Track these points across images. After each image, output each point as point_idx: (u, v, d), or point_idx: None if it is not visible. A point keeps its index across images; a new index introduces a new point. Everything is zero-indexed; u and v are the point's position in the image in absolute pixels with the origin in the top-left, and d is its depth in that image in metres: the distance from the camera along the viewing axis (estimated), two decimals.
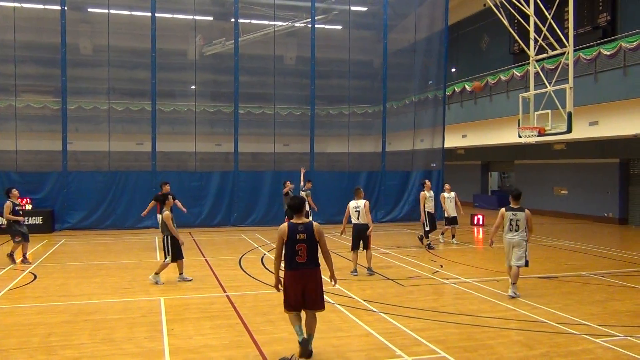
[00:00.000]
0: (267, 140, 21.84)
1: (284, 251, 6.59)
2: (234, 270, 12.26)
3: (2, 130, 19.56)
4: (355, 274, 11.48)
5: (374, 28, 23.47)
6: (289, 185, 17.35)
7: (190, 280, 10.89)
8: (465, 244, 16.38)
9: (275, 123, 21.88)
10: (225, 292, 10.00)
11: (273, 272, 6.93)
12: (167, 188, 14.05)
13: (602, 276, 11.49)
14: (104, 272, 12.13)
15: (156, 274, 10.75)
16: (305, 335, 6.60)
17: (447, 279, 11.22)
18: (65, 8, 19.64)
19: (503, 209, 9.92)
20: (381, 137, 22.62)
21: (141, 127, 20.74)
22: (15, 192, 12.70)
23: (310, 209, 17.15)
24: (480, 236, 18.87)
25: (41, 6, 20.65)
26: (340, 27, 23.68)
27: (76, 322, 8.08)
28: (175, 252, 10.79)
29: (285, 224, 6.63)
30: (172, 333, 7.54)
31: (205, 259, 13.62)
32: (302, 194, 17.12)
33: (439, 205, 16.88)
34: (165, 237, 10.80)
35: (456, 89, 26.13)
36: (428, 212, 15.24)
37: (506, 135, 22.28)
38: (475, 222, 21.23)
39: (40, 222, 18.53)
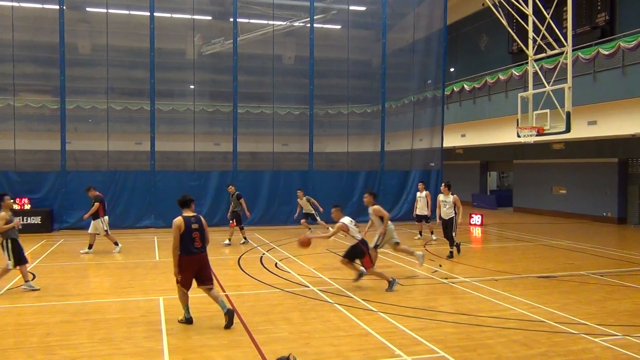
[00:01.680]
0: (266, 139, 21.84)
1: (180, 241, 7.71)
2: (233, 269, 12.26)
3: (0, 129, 19.53)
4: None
5: (373, 27, 23.48)
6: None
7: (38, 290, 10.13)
8: (464, 244, 16.40)
9: (274, 122, 21.88)
10: (224, 291, 9.99)
11: (174, 261, 7.84)
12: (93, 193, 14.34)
13: (601, 275, 11.51)
14: (103, 271, 12.13)
15: None
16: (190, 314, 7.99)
17: (446, 278, 11.22)
18: (64, 7, 19.62)
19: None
20: (380, 137, 22.63)
21: (140, 127, 20.73)
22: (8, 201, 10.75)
23: (315, 210, 17.69)
24: (479, 235, 18.89)
25: (40, 5, 20.64)
26: (339, 27, 23.68)
27: (75, 322, 8.08)
28: (18, 256, 10.07)
29: (181, 217, 7.81)
30: (171, 332, 7.54)
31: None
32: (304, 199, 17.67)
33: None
34: (4, 240, 10.01)
35: (455, 89, 26.15)
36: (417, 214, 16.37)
37: (505, 135, 22.30)
38: (474, 221, 21.26)
39: (39, 222, 18.51)
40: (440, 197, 14.15)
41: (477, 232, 19.78)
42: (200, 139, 21.33)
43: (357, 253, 10.16)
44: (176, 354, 6.72)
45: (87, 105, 20.96)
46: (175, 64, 22.06)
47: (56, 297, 9.72)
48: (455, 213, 13.77)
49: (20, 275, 10.30)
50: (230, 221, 16.07)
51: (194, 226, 7.80)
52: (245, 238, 16.24)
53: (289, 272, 11.79)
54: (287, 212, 21.01)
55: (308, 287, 10.36)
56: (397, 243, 11.62)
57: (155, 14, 20.39)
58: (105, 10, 20.56)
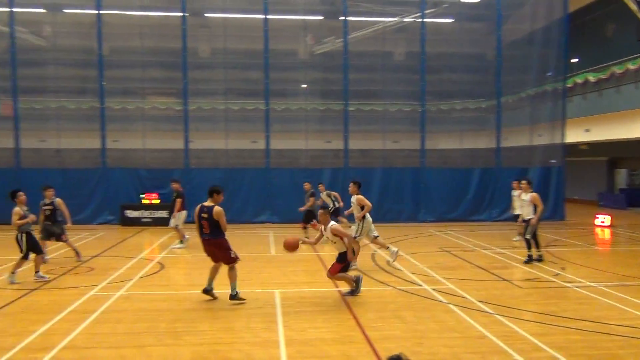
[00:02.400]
0: (376, 137, 21.84)
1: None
2: None
3: (132, 130, 21.16)
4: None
5: (487, 19, 22.63)
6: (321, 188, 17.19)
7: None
8: (590, 245, 15.37)
9: (384, 120, 21.81)
10: (337, 287, 10.13)
11: None
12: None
13: None
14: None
15: (13, 273, 10.65)
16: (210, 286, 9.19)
17: (570, 282, 10.58)
18: (186, 14, 20.88)
19: None
20: (495, 133, 21.79)
21: (255, 126, 21.54)
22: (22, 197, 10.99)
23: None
24: (608, 237, 17.60)
25: (164, 13, 22.06)
26: (451, 20, 23.09)
27: (199, 310, 8.58)
28: (32, 248, 10.70)
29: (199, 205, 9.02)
30: (287, 325, 7.78)
31: (317, 254, 13.88)
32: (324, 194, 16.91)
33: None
34: (19, 234, 10.65)
35: (578, 81, 24.52)
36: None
37: (636, 129, 20.58)
38: (600, 222, 19.83)
39: (167, 216, 19.79)
40: (518, 195, 13.03)
41: (605, 234, 18.44)
42: (312, 136, 21.77)
43: (339, 259, 9.20)
44: (292, 345, 6.92)
45: (208, 106, 22.11)
46: (288, 64, 22.66)
47: (183, 286, 10.39)
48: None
49: (149, 266, 11.10)
50: (312, 222, 16.10)
51: (203, 215, 8.84)
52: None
53: (401, 270, 11.71)
54: (399, 210, 20.90)
55: (421, 285, 10.23)
56: (376, 237, 11.86)
57: (269, 17, 21.09)
58: (222, 15, 21.59)
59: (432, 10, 22.16)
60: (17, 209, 10.59)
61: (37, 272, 10.84)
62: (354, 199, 11.99)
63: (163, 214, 19.84)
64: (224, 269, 9.18)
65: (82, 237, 16.79)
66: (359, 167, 21.53)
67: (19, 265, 10.70)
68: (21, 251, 10.65)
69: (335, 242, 9.09)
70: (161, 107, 22.13)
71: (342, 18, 21.58)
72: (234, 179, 20.69)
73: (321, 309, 8.67)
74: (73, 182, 20.18)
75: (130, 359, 6.50)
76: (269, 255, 13.95)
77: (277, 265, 12.41)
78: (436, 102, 22.74)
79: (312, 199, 16.16)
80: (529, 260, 12.40)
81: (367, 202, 11.71)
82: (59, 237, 12.67)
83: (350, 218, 13.60)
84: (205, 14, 22.82)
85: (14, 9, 20.20)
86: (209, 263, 9.31)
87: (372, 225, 11.84)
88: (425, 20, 21.52)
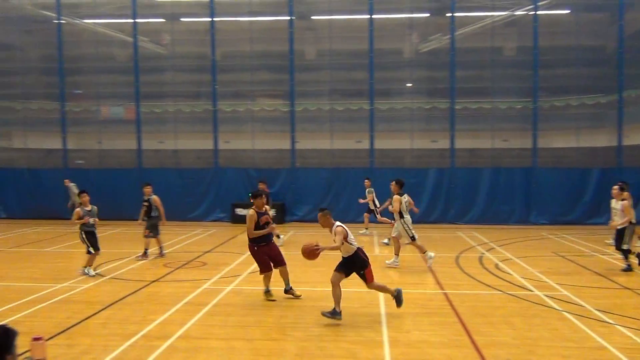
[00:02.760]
0: (484, 135, 21.10)
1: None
2: (451, 268, 12.11)
3: (242, 131, 22.03)
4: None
5: (607, 9, 21.10)
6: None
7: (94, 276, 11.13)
8: None
9: (493, 118, 21.03)
10: (442, 289, 9.93)
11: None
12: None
13: None
14: (328, 262, 12.90)
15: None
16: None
17: None
18: (293, 18, 21.41)
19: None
20: (617, 130, 20.27)
21: (360, 126, 21.61)
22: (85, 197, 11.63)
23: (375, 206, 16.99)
24: None
25: (272, 18, 22.74)
26: (567, 12, 21.77)
27: (305, 307, 8.77)
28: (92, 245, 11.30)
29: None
30: (391, 325, 7.74)
31: (423, 255, 13.66)
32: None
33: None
34: (81, 232, 11.29)
35: None
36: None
37: None
38: None
39: (273, 214, 20.46)
40: (612, 202, 11.79)
41: None
42: (418, 136, 21.46)
43: (357, 265, 8.20)
44: (396, 347, 6.88)
45: (313, 107, 22.50)
46: (393, 63, 22.49)
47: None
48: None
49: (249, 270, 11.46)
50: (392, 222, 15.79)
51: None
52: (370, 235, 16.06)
53: (510, 274, 11.25)
54: (509, 211, 20.09)
55: (532, 291, 9.76)
56: (414, 238, 12.10)
57: (374, 16, 21.08)
58: (328, 17, 21.89)
59: (545, 2, 21.03)
60: (78, 210, 11.36)
61: (85, 266, 11.42)
62: (396, 198, 12.24)
63: (270, 212, 20.50)
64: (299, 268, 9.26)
65: (196, 234, 17.74)
66: (465, 167, 20.94)
67: (90, 260, 11.43)
68: (88, 247, 11.37)
69: (342, 244, 8.13)
70: (269, 109, 22.84)
71: (449, 14, 21.09)
72: (339, 178, 20.92)
73: (426, 311, 8.54)
74: (188, 181, 21.45)
75: (240, 351, 6.78)
76: (372, 255, 13.93)
77: (381, 266, 12.38)
78: (549, 98, 21.54)
79: (370, 195, 16.05)
80: (629, 268, 11.37)
81: (397, 205, 12.08)
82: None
83: (392, 216, 13.34)
84: (312, 17, 23.24)
85: (137, 20, 21.76)
86: (312, 262, 9.44)
87: (411, 226, 12.18)
88: (538, 12, 20.49)
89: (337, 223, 8.25)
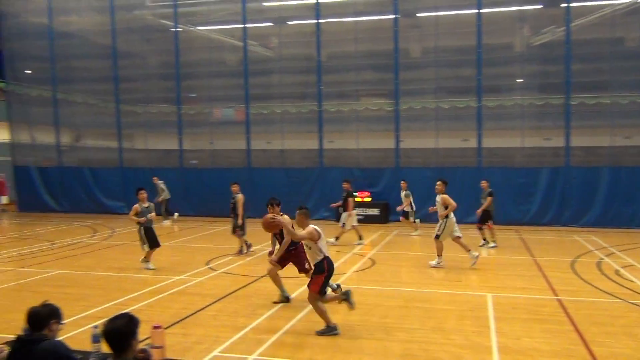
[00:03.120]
0: (603, 132, 19.70)
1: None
2: (566, 273, 11.44)
3: (346, 131, 22.21)
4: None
5: None
6: None
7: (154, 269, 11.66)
8: None
9: (613, 113, 19.59)
10: (556, 295, 9.42)
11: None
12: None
13: None
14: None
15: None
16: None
17: None
18: (398, 16, 21.24)
19: None
20: None
21: (466, 124, 21.00)
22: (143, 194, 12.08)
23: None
24: None
25: (377, 17, 22.67)
26: None
27: (409, 308, 8.68)
28: (151, 241, 11.79)
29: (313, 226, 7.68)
30: (500, 331, 7.46)
31: (534, 259, 13.05)
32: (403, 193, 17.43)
33: None
34: (140, 228, 11.76)
35: None
36: None
37: None
38: None
39: (378, 213, 20.48)
40: None
41: None
42: (529, 134, 20.47)
43: (316, 270, 7.61)
44: (506, 353, 6.62)
45: (418, 106, 22.18)
46: (502, 58, 21.61)
47: (392, 283, 10.61)
48: None
49: (362, 262, 11.51)
50: (488, 223, 14.93)
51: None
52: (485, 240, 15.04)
53: (633, 282, 10.43)
54: (631, 214, 18.66)
55: None
56: (458, 237, 12.04)
57: (482, 10, 20.39)
58: (434, 14, 21.47)
59: None
60: (136, 206, 11.83)
61: (146, 260, 11.93)
62: (439, 197, 12.27)
63: (374, 211, 20.52)
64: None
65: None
66: (582, 166, 19.68)
67: (149, 255, 11.95)
68: (144, 244, 11.83)
69: (310, 248, 7.62)
70: (373, 108, 22.82)
71: (564, 5, 19.91)
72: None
73: (538, 317, 8.14)
74: (294, 180, 21.97)
75: (344, 349, 6.84)
76: (480, 257, 13.50)
77: (490, 268, 11.98)
78: None
79: (489, 198, 15.10)
80: None
81: (452, 202, 12.01)
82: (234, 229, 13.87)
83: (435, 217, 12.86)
84: (417, 14, 22.92)
85: (246, 25, 22.62)
86: (418, 261, 9.34)
87: (456, 226, 12.10)
88: None
89: (312, 226, 7.71)
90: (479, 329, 7.55)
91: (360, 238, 15.68)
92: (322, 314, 7.46)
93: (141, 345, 3.85)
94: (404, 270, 11.73)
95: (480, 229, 15.04)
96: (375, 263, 12.53)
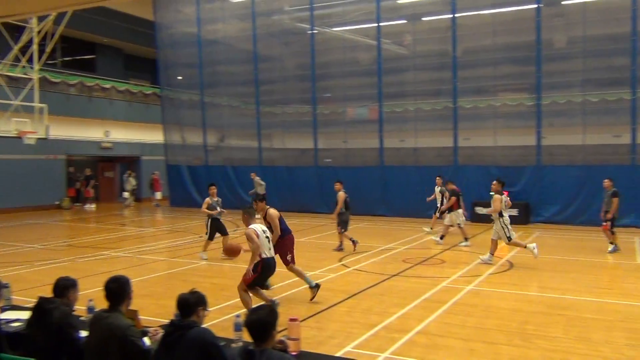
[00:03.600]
0: None
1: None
2: None
3: (483, 127, 21.41)
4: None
5: None
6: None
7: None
8: None
9: None
10: None
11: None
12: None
13: None
14: (578, 268, 11.85)
15: None
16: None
17: None
18: (541, 5, 20.01)
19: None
20: None
21: (618, 118, 19.27)
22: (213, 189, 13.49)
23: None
24: None
25: (517, 8, 21.56)
26: None
27: (550, 315, 8.17)
28: (213, 232, 12.90)
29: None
30: None
31: None
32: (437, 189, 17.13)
33: None
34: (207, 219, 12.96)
35: None
36: None
37: None
38: None
39: (517, 214, 19.45)
40: None
41: None
42: None
43: (253, 268, 7.74)
44: None
45: (562, 100, 20.78)
46: None
47: (533, 287, 10.08)
48: None
49: (499, 264, 11.02)
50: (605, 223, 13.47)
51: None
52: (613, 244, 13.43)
53: None
54: None
55: None
56: (510, 238, 11.96)
57: None
58: (582, 0, 19.96)
59: None
60: (207, 199, 13.12)
61: (223, 251, 12.11)
62: (497, 197, 12.07)
63: (514, 212, 19.51)
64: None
65: (435, 231, 17.78)
66: None
67: (205, 246, 12.93)
68: (206, 233, 13.02)
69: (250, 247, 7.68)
70: (512, 104, 21.76)
71: None
72: (592, 177, 18.91)
73: None
74: (428, 179, 21.58)
75: (480, 354, 6.61)
76: (634, 264, 12.36)
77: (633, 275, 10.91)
78: None
79: (615, 199, 13.50)
80: None
81: (497, 205, 11.94)
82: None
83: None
84: (562, 2, 21.47)
85: (380, 24, 22.65)
86: (560, 265, 8.77)
87: (510, 226, 12.00)
88: None
89: (252, 226, 7.83)
90: (632, 342, 6.90)
91: (466, 239, 15.19)
92: (245, 303, 7.80)
93: (279, 336, 4.02)
94: (546, 275, 11.06)
95: (611, 232, 13.70)
96: (513, 266, 11.96)
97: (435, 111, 22.52)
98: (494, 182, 12.52)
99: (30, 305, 4.72)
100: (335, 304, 8.84)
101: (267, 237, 8.00)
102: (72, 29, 24.47)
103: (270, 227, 8.73)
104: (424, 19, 23.40)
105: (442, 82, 22.17)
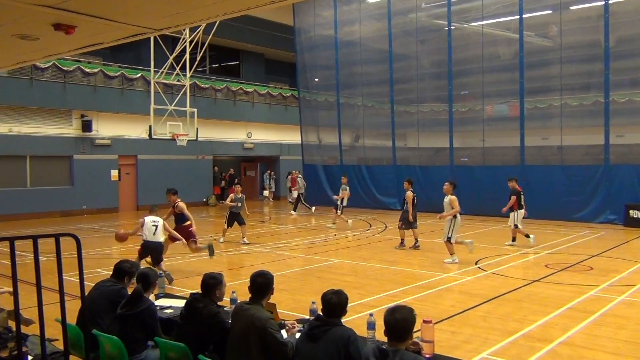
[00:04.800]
0: None
1: None
2: None
3: (639, 123, 19.55)
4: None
5: None
6: None
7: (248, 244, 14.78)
8: None
9: None
10: None
11: None
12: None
13: None
14: None
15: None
16: None
17: None
18: None
19: None
20: None
21: None
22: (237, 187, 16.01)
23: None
24: None
25: None
26: None
27: None
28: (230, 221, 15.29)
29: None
30: None
31: None
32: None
33: None
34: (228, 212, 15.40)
35: None
36: None
37: None
38: None
39: None
40: None
41: None
42: None
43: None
44: None
45: None
46: None
47: None
48: None
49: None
50: None
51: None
52: None
53: None
54: None
55: None
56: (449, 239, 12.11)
57: None
58: None
59: None
60: (232, 195, 15.50)
61: (243, 239, 15.30)
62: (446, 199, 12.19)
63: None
64: None
65: (581, 235, 16.59)
66: None
67: (224, 232, 15.44)
68: (225, 222, 15.38)
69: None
70: None
71: None
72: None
73: None
74: (574, 179, 20.15)
75: None
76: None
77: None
78: None
79: None
80: None
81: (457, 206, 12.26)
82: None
83: None
84: None
85: (523, 16, 21.50)
86: None
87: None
88: None
89: (146, 217, 10.29)
90: None
91: (514, 240, 14.56)
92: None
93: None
94: None
95: None
96: None
97: (583, 106, 20.95)
98: (446, 184, 12.70)
99: (181, 294, 5.15)
100: (470, 308, 8.58)
101: (154, 226, 10.19)
102: (220, 37, 26.15)
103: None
104: (572, 7, 21.80)
105: (592, 75, 20.55)
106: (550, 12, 22.30)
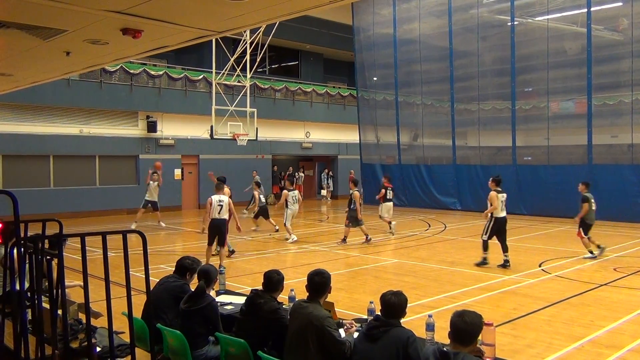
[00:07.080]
0: None
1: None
2: None
3: None
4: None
5: None
6: None
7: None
8: None
9: None
10: None
11: None
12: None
13: None
14: None
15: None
16: None
17: None
18: None
19: None
20: None
21: None
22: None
23: None
24: None
25: None
26: None
27: None
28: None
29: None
30: None
31: None
32: None
33: None
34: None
35: None
36: None
37: None
38: None
39: None
40: None
41: None
42: None
43: None
44: None
45: None
46: None
47: None
48: None
49: None
50: None
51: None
52: None
53: None
54: None
55: None
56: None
57: None
58: None
59: None
60: (255, 194, 17.15)
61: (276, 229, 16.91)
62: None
63: None
64: None
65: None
66: None
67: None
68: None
69: None
70: None
71: None
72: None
73: None
74: None
75: None
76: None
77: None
78: None
79: None
80: None
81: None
82: None
83: None
84: None
85: (591, 9, 20.63)
86: None
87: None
88: None
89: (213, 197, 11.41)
90: None
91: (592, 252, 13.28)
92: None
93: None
94: None
95: None
96: None
97: None
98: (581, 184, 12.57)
99: (241, 290, 5.25)
100: (533, 312, 8.32)
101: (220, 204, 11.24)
102: (279, 38, 26.45)
103: None
104: None
105: None
106: (620, 4, 21.29)
